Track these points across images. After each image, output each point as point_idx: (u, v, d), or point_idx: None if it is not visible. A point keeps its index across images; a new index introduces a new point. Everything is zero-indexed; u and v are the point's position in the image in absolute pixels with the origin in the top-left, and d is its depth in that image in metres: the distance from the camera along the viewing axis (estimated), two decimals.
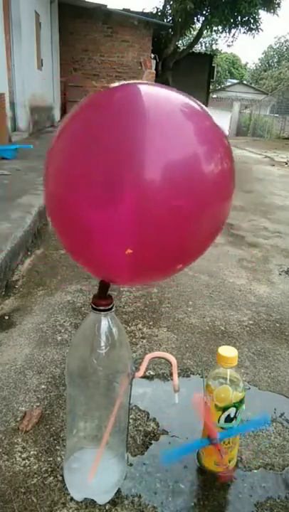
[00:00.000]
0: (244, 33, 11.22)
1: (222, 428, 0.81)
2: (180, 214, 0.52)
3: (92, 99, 0.59)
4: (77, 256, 0.65)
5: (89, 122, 0.54)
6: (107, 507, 0.78)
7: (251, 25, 10.81)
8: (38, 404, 1.03)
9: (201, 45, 18.57)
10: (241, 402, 0.81)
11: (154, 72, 10.45)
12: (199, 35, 11.80)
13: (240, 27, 10.96)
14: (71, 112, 0.58)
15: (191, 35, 13.17)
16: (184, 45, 13.50)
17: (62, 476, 0.83)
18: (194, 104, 0.56)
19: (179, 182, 0.51)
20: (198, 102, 0.57)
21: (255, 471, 0.88)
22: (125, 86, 0.57)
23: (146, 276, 0.65)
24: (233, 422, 0.81)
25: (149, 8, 23.24)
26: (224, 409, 0.80)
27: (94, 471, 0.77)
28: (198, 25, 11.57)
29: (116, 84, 0.57)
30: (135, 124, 0.50)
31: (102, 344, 0.71)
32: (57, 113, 9.16)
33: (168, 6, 11.21)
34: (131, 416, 1.00)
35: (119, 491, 0.81)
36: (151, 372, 1.19)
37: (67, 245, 0.64)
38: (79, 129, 0.55)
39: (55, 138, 0.58)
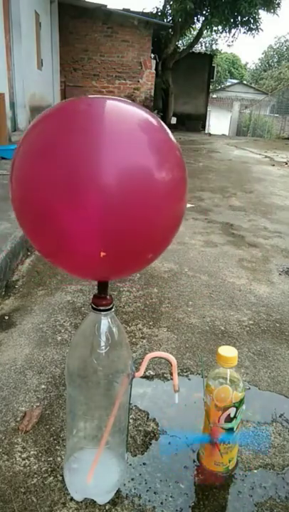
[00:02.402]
0: (244, 33, 11.18)
1: (223, 429, 0.81)
2: (137, 211, 0.58)
3: (54, 109, 0.63)
4: (51, 256, 0.67)
5: (50, 130, 0.60)
6: (107, 507, 0.78)
7: (251, 25, 10.77)
8: (38, 404, 1.03)
9: (201, 45, 18.51)
10: (241, 402, 0.81)
11: (154, 72, 10.44)
12: (199, 35, 11.77)
13: (240, 27, 10.92)
14: (35, 119, 0.62)
15: (191, 35, 13.13)
16: (184, 45, 13.46)
17: (62, 476, 0.83)
18: (152, 118, 0.63)
19: (133, 186, 0.57)
20: (158, 118, 0.64)
21: (255, 471, 0.88)
22: (89, 99, 0.63)
23: (120, 270, 0.68)
24: (233, 421, 0.81)
25: (149, 8, 23.22)
26: (224, 409, 0.80)
27: (93, 472, 0.77)
28: (198, 25, 11.54)
29: (83, 96, 0.64)
30: (92, 133, 0.56)
31: (102, 344, 0.71)
32: None
33: (168, 6, 11.18)
34: (131, 416, 1.00)
35: (119, 491, 0.81)
36: (151, 372, 1.19)
37: (40, 247, 0.66)
38: (41, 136, 0.60)
39: (20, 142, 0.62)
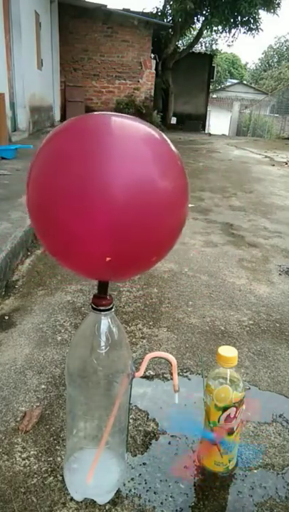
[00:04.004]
0: (244, 33, 11.19)
1: (226, 432, 0.81)
2: (143, 219, 0.61)
3: (66, 126, 0.67)
4: (58, 256, 0.70)
5: (63, 144, 0.64)
6: (107, 507, 0.78)
7: (251, 25, 10.78)
8: (38, 404, 1.03)
9: (201, 45, 18.50)
10: (241, 402, 0.81)
11: (154, 72, 10.43)
12: (199, 35, 11.78)
13: (240, 27, 10.93)
14: (49, 135, 0.67)
15: (191, 35, 13.14)
16: (184, 45, 13.46)
17: (62, 476, 0.83)
18: (154, 132, 0.66)
19: (139, 195, 0.60)
20: (158, 131, 0.67)
21: (255, 471, 0.88)
22: (97, 116, 0.67)
23: (125, 272, 0.71)
24: (233, 421, 0.81)
25: (149, 8, 23.19)
26: (224, 409, 0.80)
27: (93, 472, 0.77)
28: (198, 25, 11.55)
29: (91, 114, 0.68)
30: (101, 148, 0.60)
31: (102, 344, 0.71)
32: (57, 113, 9.15)
33: (168, 6, 11.18)
34: (131, 416, 1.00)
35: (119, 491, 0.81)
36: (151, 372, 1.19)
37: (49, 247, 0.69)
38: (55, 150, 0.64)
39: (36, 155, 0.66)
